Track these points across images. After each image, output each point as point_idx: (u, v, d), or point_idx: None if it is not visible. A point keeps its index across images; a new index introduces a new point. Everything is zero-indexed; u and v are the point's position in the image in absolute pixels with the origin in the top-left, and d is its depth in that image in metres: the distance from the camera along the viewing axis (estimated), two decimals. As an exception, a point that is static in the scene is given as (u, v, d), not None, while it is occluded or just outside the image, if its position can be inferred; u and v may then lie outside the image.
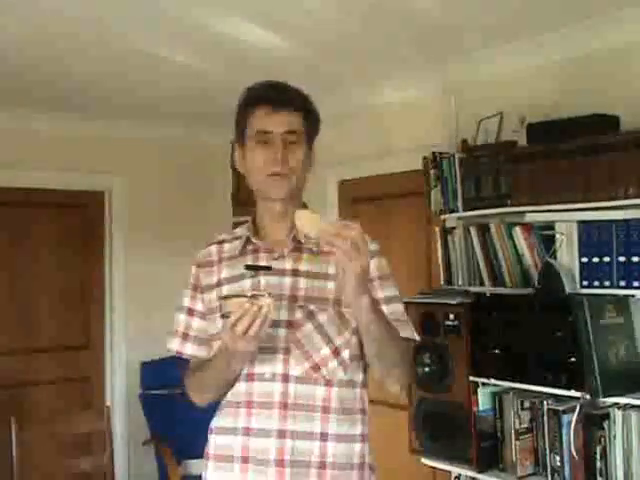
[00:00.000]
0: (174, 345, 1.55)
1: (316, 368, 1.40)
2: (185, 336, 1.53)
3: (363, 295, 1.25)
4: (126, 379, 4.39)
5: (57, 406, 4.12)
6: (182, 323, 1.54)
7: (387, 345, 1.35)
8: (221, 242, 1.55)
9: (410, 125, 3.48)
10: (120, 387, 4.41)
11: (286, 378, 1.39)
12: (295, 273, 1.44)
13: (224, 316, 1.27)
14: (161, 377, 4.01)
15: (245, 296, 1.25)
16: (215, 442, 1.48)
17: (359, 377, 1.47)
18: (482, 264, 2.83)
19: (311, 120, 1.49)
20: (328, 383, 1.41)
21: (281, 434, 1.38)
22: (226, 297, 1.29)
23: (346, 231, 1.20)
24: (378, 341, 1.33)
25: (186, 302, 1.55)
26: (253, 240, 1.49)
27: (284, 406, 1.39)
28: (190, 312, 1.53)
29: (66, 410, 3.99)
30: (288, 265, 1.44)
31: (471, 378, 2.68)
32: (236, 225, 1.64)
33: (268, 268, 1.40)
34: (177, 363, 1.58)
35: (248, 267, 1.41)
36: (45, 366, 4.23)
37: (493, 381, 2.63)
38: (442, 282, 3.00)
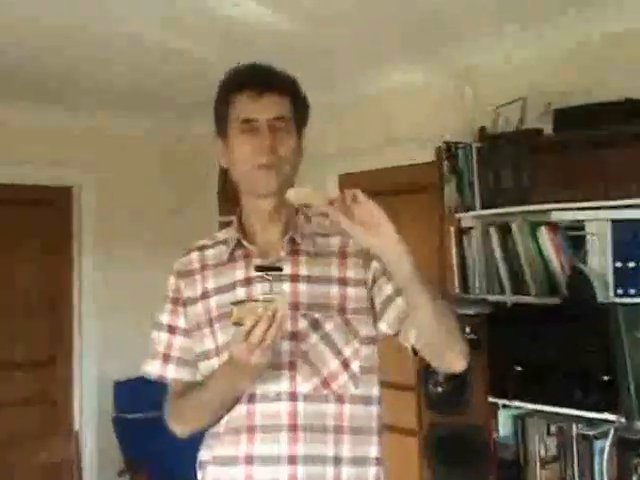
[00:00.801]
0: (154, 368, 1.52)
1: (326, 383, 1.40)
2: (166, 357, 1.51)
3: (401, 242, 1.23)
4: (97, 400, 4.37)
5: (17, 431, 4.09)
6: (162, 342, 1.51)
7: (442, 307, 1.34)
8: (202, 248, 1.54)
9: (420, 112, 3.47)
10: (91, 409, 4.39)
11: (294, 396, 1.38)
12: (294, 278, 1.43)
13: (237, 324, 1.25)
14: (138, 398, 3.98)
15: (257, 300, 1.25)
16: (212, 476, 1.46)
17: (373, 392, 1.46)
18: (502, 269, 2.82)
19: (300, 106, 1.48)
20: (339, 399, 1.41)
21: (292, 460, 1.38)
22: (238, 302, 1.29)
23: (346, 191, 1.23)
24: (432, 301, 1.30)
25: (165, 318, 1.52)
26: (244, 244, 1.48)
27: (293, 428, 1.38)
28: (171, 329, 1.52)
29: (28, 436, 3.96)
30: (286, 270, 1.43)
31: (490, 399, 2.68)
32: (224, 225, 1.62)
33: (279, 269, 1.40)
34: (157, 382, 1.56)
35: (259, 268, 1.40)
36: (4, 385, 4.20)
37: (515, 402, 2.62)
38: (457, 290, 3.00)
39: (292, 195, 1.29)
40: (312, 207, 1.31)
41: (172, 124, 4.56)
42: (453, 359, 1.40)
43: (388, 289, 1.42)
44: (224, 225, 1.61)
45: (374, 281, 1.44)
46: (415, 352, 1.43)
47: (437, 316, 1.32)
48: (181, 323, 1.51)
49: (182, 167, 4.66)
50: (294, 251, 1.46)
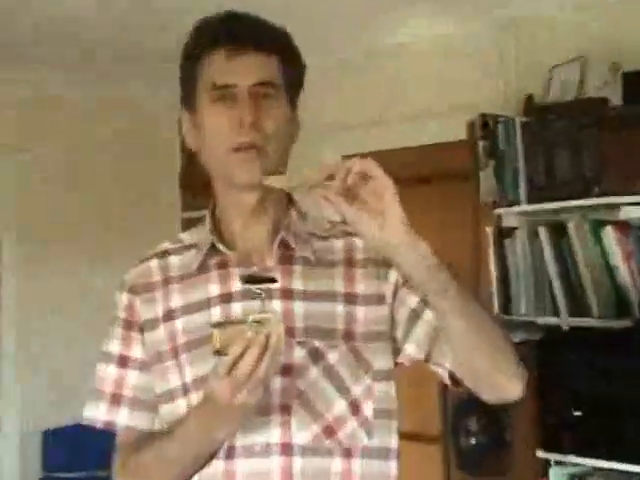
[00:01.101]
0: (99, 413, 1.50)
1: (329, 432, 1.40)
2: (116, 398, 1.51)
3: (409, 233, 1.25)
4: (19, 457, 4.36)
5: None
6: (110, 379, 1.50)
7: (478, 312, 1.34)
8: (164, 254, 1.54)
9: (446, 75, 3.48)
10: (10, 469, 4.37)
11: (288, 449, 1.38)
12: (286, 294, 1.43)
13: (219, 353, 1.25)
14: (76, 452, 3.99)
15: (244, 321, 1.26)
16: None
17: (391, 442, 1.47)
18: (556, 282, 2.83)
19: (292, 67, 1.47)
20: (347, 453, 1.41)
21: None
22: (219, 324, 1.29)
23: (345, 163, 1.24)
24: (464, 304, 1.31)
25: (115, 347, 1.51)
26: (220, 248, 1.48)
27: None
28: (122, 361, 1.51)
29: None
30: (275, 283, 1.44)
31: (539, 454, 2.70)
32: (189, 224, 1.63)
33: (272, 280, 1.41)
34: (103, 431, 1.57)
35: (245, 279, 1.41)
36: None
37: (572, 458, 2.64)
38: (496, 309, 3.01)
39: (272, 180, 1.31)
40: (304, 185, 1.30)
41: (120, 89, 4.55)
42: (505, 383, 1.40)
43: (412, 301, 1.43)
44: (190, 223, 1.62)
45: (394, 294, 1.45)
46: (454, 381, 1.43)
47: (472, 323, 1.32)
48: (136, 353, 1.51)
49: (132, 146, 4.67)
50: (286, 258, 1.46)
